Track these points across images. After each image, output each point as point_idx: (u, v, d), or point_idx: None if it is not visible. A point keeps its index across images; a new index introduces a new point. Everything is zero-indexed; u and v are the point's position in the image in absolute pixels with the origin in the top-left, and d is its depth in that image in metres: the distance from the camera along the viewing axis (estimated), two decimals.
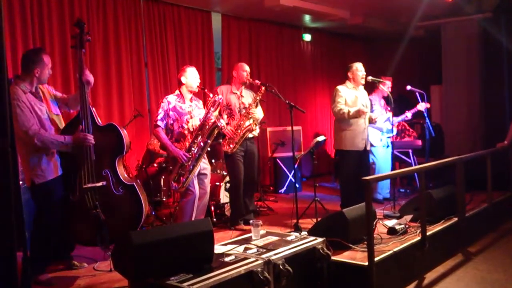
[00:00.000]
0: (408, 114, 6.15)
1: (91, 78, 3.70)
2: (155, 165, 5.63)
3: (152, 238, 2.68)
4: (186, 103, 4.49)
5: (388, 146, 6.05)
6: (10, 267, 1.99)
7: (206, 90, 4.59)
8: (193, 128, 4.43)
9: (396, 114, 6.03)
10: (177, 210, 4.63)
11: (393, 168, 5.86)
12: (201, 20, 7.04)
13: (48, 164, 3.59)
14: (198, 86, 4.52)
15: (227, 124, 4.84)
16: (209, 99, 4.48)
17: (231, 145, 4.87)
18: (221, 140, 5.53)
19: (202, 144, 4.35)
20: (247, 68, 5.07)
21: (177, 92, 4.55)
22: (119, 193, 3.68)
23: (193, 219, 4.37)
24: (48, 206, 3.62)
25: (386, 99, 6.01)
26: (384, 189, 6.11)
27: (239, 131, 4.87)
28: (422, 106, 6.02)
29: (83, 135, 3.60)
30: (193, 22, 6.90)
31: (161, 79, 6.48)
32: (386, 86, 5.70)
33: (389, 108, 5.94)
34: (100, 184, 3.64)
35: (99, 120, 3.79)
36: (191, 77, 4.49)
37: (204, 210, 4.58)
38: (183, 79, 4.49)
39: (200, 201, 4.46)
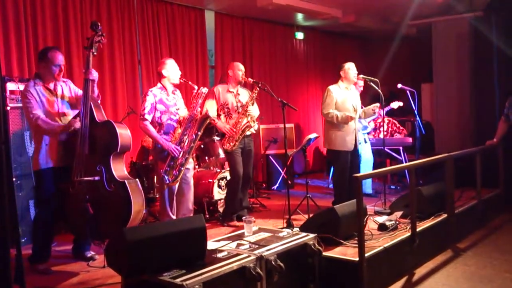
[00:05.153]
0: (381, 112, 6.20)
1: (93, 76, 3.74)
2: (148, 162, 5.64)
3: (145, 235, 2.69)
4: (170, 96, 4.48)
5: (365, 142, 6.15)
6: (3, 262, 2.00)
7: (190, 83, 4.56)
8: (182, 119, 4.45)
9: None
10: (159, 208, 4.61)
11: (383, 165, 5.91)
12: (195, 18, 7.05)
13: (46, 154, 3.74)
14: (180, 78, 4.50)
15: (232, 126, 4.89)
16: (194, 91, 4.45)
17: (231, 143, 4.91)
18: (217, 138, 5.56)
19: (193, 136, 4.36)
20: (242, 67, 5.11)
21: (159, 85, 4.49)
22: (110, 189, 3.68)
23: (174, 209, 4.41)
24: (39, 193, 3.82)
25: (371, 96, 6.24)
26: (365, 185, 6.17)
27: (237, 129, 4.90)
28: (395, 104, 6.17)
29: (72, 121, 3.70)
30: (186, 19, 6.91)
31: (154, 77, 6.46)
32: (357, 85, 5.86)
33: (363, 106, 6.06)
34: (91, 178, 3.67)
35: (105, 116, 3.86)
36: (171, 69, 4.46)
37: (191, 207, 4.57)
38: (164, 72, 4.45)
39: (183, 196, 4.47)
